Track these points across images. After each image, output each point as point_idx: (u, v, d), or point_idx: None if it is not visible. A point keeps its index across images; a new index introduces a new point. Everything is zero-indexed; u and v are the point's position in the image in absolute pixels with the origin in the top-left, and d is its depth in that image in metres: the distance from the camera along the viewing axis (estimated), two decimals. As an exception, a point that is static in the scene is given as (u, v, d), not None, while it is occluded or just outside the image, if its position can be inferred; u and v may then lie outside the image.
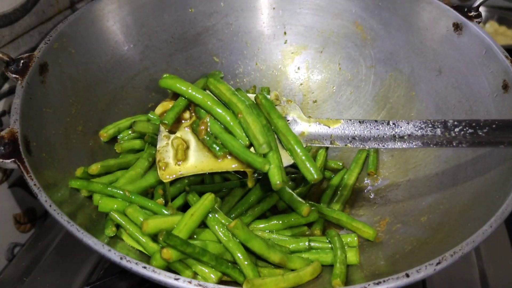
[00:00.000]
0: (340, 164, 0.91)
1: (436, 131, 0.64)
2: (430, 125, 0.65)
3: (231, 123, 0.69)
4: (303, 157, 0.67)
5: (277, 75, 1.03)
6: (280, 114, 0.71)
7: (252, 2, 1.00)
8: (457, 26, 0.82)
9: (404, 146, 0.66)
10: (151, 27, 0.94)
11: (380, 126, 0.67)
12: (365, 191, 0.86)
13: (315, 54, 1.01)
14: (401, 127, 0.66)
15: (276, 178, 0.64)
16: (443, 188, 0.75)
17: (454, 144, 0.63)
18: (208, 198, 0.65)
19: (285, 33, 1.02)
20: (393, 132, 0.67)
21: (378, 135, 0.67)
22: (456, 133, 0.63)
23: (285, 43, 1.02)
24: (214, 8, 0.99)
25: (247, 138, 0.68)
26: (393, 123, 0.67)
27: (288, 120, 0.72)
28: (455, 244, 0.54)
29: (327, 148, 0.92)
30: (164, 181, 0.69)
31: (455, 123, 0.63)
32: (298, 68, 1.03)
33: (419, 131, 0.65)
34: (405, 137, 0.66)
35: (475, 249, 0.81)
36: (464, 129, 0.63)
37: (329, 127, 0.70)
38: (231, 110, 0.71)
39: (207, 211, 0.65)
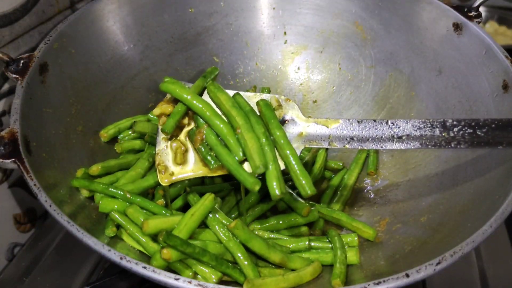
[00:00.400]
0: (340, 164, 0.91)
1: (435, 131, 0.64)
2: (429, 125, 0.64)
3: (228, 136, 0.68)
4: (298, 171, 0.65)
5: (277, 75, 1.03)
6: (279, 124, 0.69)
7: (252, 2, 1.00)
8: (457, 26, 0.82)
9: (402, 147, 0.66)
10: (151, 27, 0.94)
11: (379, 125, 0.67)
12: (365, 191, 0.86)
13: (315, 54, 1.01)
14: (399, 127, 0.66)
15: (275, 190, 0.63)
16: (443, 188, 0.75)
17: (452, 145, 0.63)
18: (209, 198, 0.65)
19: (285, 33, 1.02)
20: (392, 132, 0.66)
21: (377, 135, 0.67)
22: (455, 133, 0.63)
23: (285, 43, 1.02)
24: (214, 8, 0.99)
25: (241, 154, 0.67)
26: (392, 123, 0.67)
27: (287, 120, 0.72)
28: (455, 244, 0.54)
29: (327, 148, 0.92)
30: (163, 184, 0.69)
31: (454, 122, 0.63)
32: (298, 68, 1.03)
33: (417, 131, 0.65)
34: (404, 138, 0.65)
35: (475, 249, 0.81)
36: (463, 129, 0.63)
37: (328, 127, 0.70)
38: (230, 124, 0.70)
39: (207, 211, 0.65)
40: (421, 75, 0.88)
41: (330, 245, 0.70)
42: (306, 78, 1.02)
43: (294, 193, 0.77)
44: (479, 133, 0.62)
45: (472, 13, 0.82)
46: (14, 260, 0.84)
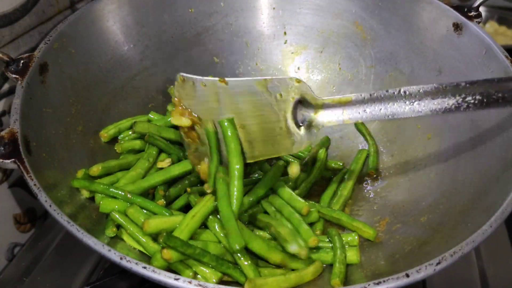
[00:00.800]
0: (340, 164, 0.91)
1: (448, 95, 0.61)
2: (441, 91, 0.62)
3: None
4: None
5: (277, 75, 1.03)
6: None
7: (252, 2, 1.00)
8: (457, 26, 0.82)
9: (413, 115, 0.64)
10: (151, 27, 0.94)
11: (391, 95, 0.65)
12: (365, 191, 0.86)
13: (315, 54, 1.01)
14: (411, 95, 0.64)
15: None
16: (443, 188, 0.75)
17: (462, 109, 0.61)
18: (210, 200, 0.65)
19: (285, 33, 1.02)
20: (404, 101, 0.64)
21: (389, 106, 0.65)
22: (467, 93, 0.60)
23: (285, 43, 1.02)
24: (214, 8, 0.99)
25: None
26: (404, 91, 0.64)
27: (300, 102, 0.70)
28: (455, 244, 0.54)
29: (327, 148, 0.92)
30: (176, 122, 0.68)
31: (467, 85, 0.60)
32: (298, 68, 1.03)
33: (429, 96, 0.62)
34: (415, 104, 0.64)
35: (475, 249, 0.81)
36: (477, 88, 0.60)
37: (341, 104, 0.68)
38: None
39: (208, 212, 0.65)
40: (421, 75, 0.88)
41: (330, 245, 0.70)
42: (306, 78, 1.02)
43: (293, 193, 0.77)
44: (491, 91, 0.59)
45: (472, 13, 0.82)
46: (14, 260, 0.84)
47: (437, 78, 0.85)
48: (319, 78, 1.02)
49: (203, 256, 0.60)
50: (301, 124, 0.70)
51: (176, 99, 0.71)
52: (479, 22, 0.81)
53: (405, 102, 0.64)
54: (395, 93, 0.64)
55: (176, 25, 0.96)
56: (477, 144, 0.74)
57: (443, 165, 0.78)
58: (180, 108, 0.71)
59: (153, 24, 0.94)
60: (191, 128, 0.72)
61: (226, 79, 0.70)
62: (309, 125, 0.70)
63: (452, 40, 0.83)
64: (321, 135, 0.95)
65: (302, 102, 0.69)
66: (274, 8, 1.01)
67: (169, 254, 0.57)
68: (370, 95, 0.66)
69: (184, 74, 0.69)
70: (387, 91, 0.65)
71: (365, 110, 0.67)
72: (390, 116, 0.65)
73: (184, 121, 0.71)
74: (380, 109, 0.66)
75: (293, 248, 0.64)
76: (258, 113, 0.70)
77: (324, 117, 0.69)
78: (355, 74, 0.98)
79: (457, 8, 0.83)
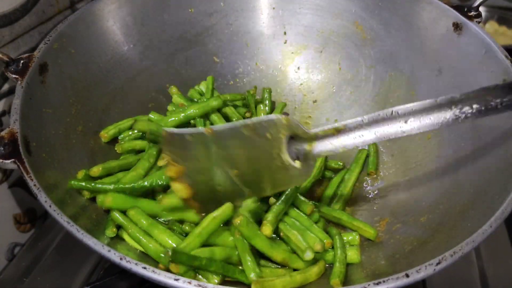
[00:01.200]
0: (340, 164, 0.91)
1: (443, 108, 0.60)
2: (436, 105, 0.60)
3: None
4: None
5: (277, 75, 1.03)
6: None
7: (252, 2, 1.00)
8: (457, 26, 0.82)
9: (413, 133, 0.62)
10: (151, 27, 0.94)
11: (385, 117, 0.63)
12: (365, 191, 0.86)
13: (315, 54, 1.01)
14: (404, 114, 0.62)
15: None
16: (443, 188, 0.75)
17: (460, 121, 0.60)
18: (228, 207, 0.66)
19: (285, 33, 1.02)
20: (399, 120, 0.62)
21: (383, 128, 0.63)
22: (464, 104, 0.59)
23: (285, 43, 1.02)
24: (214, 8, 0.99)
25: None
26: (397, 112, 0.62)
27: (292, 138, 0.68)
28: (455, 244, 0.54)
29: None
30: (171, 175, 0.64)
31: (462, 96, 0.59)
32: (298, 68, 1.03)
33: (424, 112, 0.61)
34: (410, 123, 0.62)
35: (475, 249, 0.81)
36: (473, 98, 0.59)
37: (335, 135, 0.66)
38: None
39: (226, 218, 0.65)
40: (421, 75, 0.88)
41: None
42: (306, 78, 1.02)
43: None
44: (489, 98, 0.58)
45: (472, 13, 0.82)
46: (14, 260, 0.84)
47: (437, 78, 0.85)
48: (319, 78, 1.02)
49: (210, 266, 0.60)
50: (296, 159, 0.68)
51: (165, 156, 0.65)
52: (479, 22, 0.81)
53: (400, 121, 0.62)
54: (388, 114, 0.63)
55: (176, 25, 0.96)
56: (477, 144, 0.74)
57: (443, 165, 0.78)
58: (173, 165, 0.64)
59: (153, 24, 0.94)
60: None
61: (212, 127, 0.67)
62: (306, 158, 0.68)
63: (452, 40, 0.83)
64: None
65: (294, 137, 0.68)
66: (274, 8, 1.01)
67: (177, 268, 0.58)
68: (362, 120, 0.64)
69: (168, 129, 0.66)
70: (378, 114, 0.63)
71: (361, 135, 0.65)
72: (387, 138, 0.64)
73: (184, 193, 0.65)
74: (375, 132, 0.64)
75: (307, 255, 0.66)
76: (250, 155, 0.67)
77: (319, 148, 0.67)
78: (355, 74, 0.98)
79: (457, 8, 0.83)
